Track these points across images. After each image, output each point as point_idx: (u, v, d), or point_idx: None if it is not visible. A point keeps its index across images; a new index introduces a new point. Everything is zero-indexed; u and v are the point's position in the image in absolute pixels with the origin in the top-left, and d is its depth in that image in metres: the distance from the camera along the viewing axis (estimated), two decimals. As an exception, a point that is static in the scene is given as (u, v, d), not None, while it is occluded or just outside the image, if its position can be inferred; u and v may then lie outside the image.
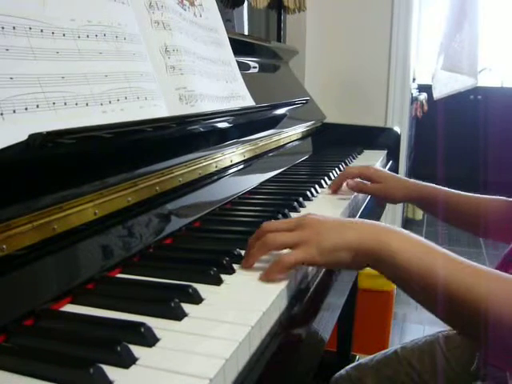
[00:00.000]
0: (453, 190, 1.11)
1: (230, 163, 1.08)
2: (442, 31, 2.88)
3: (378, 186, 1.13)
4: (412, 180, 1.15)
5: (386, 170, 1.18)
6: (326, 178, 1.25)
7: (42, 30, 0.64)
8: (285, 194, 1.09)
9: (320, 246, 0.65)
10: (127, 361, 0.45)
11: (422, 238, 0.66)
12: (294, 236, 0.67)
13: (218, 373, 0.44)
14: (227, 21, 1.84)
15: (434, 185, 1.13)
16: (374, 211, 1.25)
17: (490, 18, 4.21)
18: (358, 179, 1.14)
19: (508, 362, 0.68)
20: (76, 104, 0.66)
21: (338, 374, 1.21)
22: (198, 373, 0.44)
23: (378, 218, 1.68)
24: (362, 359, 1.21)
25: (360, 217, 1.10)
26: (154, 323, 0.52)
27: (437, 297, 0.61)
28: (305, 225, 0.68)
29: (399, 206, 3.12)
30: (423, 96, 3.98)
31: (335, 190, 1.14)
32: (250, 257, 0.68)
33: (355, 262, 0.66)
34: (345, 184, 1.14)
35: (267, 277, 0.64)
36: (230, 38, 1.20)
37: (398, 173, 1.84)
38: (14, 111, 0.57)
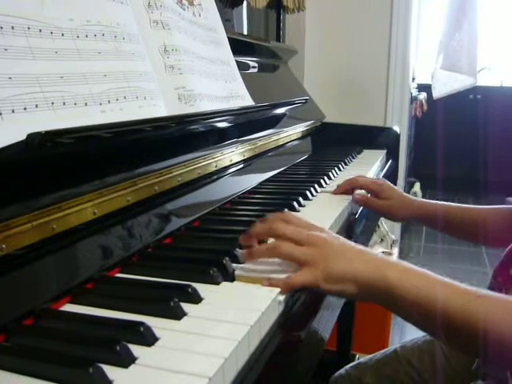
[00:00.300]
0: (452, 204, 1.12)
1: (230, 163, 1.08)
2: (442, 30, 2.88)
3: (382, 204, 1.12)
4: (416, 199, 1.15)
5: (396, 188, 1.16)
6: (325, 178, 1.25)
7: (40, 30, 0.64)
8: (284, 194, 1.09)
9: (327, 271, 0.65)
10: (126, 360, 0.45)
11: (419, 268, 0.67)
12: (304, 252, 0.66)
13: (217, 372, 0.44)
14: (226, 21, 1.84)
15: (433, 201, 1.14)
16: (370, 216, 1.25)
17: (490, 17, 4.22)
18: (363, 191, 1.14)
19: (509, 366, 0.70)
20: (75, 104, 0.66)
21: (338, 373, 1.21)
22: (197, 372, 0.44)
23: (377, 219, 1.68)
24: (361, 358, 1.21)
25: (359, 218, 1.10)
26: (154, 323, 0.52)
27: (436, 322, 0.62)
28: (315, 244, 0.67)
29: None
30: (423, 95, 3.98)
31: (339, 193, 1.14)
32: (255, 254, 0.69)
33: (360, 295, 0.66)
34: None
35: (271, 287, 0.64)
36: (229, 38, 1.20)
37: (397, 172, 1.86)
38: (13, 111, 0.57)
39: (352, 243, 0.71)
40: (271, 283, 0.64)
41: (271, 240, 0.72)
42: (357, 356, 1.95)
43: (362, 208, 1.15)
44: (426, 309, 0.62)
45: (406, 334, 2.41)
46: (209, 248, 0.76)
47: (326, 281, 0.65)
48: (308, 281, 0.64)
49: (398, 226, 3.14)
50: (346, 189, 1.14)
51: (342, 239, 0.72)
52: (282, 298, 0.62)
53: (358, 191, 1.14)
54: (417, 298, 0.63)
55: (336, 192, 1.14)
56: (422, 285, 0.64)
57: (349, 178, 1.16)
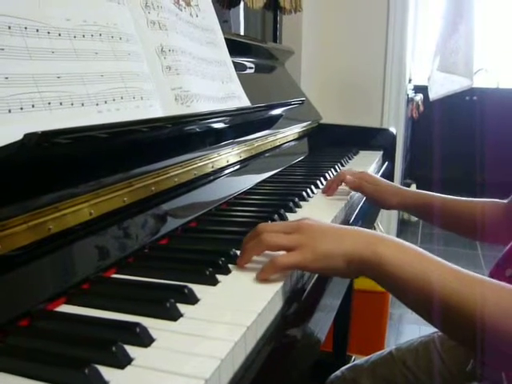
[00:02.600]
0: (448, 196, 1.11)
1: (226, 163, 1.08)
2: (438, 32, 2.89)
3: (375, 187, 1.13)
4: (408, 189, 1.16)
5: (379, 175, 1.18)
6: (321, 179, 1.25)
7: (37, 30, 0.64)
8: (281, 195, 1.09)
9: (315, 251, 0.65)
10: (123, 361, 0.45)
11: (415, 247, 0.66)
12: (289, 239, 0.67)
13: (214, 373, 0.44)
14: (224, 22, 1.85)
15: (428, 192, 1.13)
16: (369, 213, 1.25)
17: (486, 18, 4.23)
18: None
19: (505, 365, 0.69)
20: (72, 104, 0.65)
21: (334, 375, 1.21)
22: (193, 373, 0.44)
23: (373, 220, 1.68)
24: (357, 360, 1.21)
25: (355, 218, 1.10)
26: (150, 323, 0.51)
27: (431, 305, 0.61)
28: (301, 229, 0.68)
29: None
30: (419, 97, 3.98)
31: (330, 194, 1.14)
32: (244, 255, 0.68)
33: (349, 270, 0.66)
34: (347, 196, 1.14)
35: (261, 276, 0.64)
36: (226, 39, 1.20)
37: (393, 173, 1.86)
38: (10, 111, 0.57)
39: (338, 225, 0.71)
40: (260, 272, 0.64)
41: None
42: (353, 357, 1.95)
43: (358, 209, 1.16)
44: (420, 288, 0.61)
45: (402, 336, 2.41)
46: (205, 249, 0.76)
47: (315, 260, 0.65)
48: (296, 261, 0.65)
49: (394, 228, 3.15)
50: (335, 187, 1.14)
51: (329, 223, 0.72)
52: (278, 298, 0.62)
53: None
54: (410, 276, 0.62)
55: (327, 193, 1.14)
56: (415, 263, 0.63)
57: (334, 177, 1.17)
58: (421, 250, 0.65)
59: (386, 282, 0.65)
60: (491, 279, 0.63)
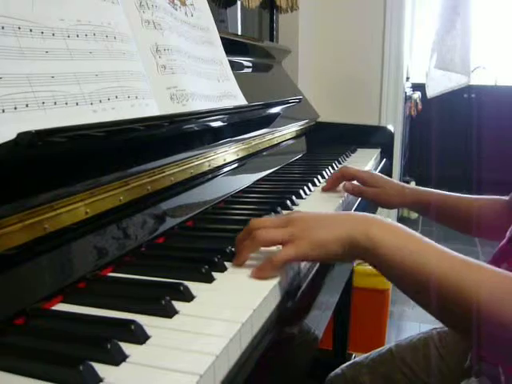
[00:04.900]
0: (446, 192, 1.11)
1: (223, 162, 1.08)
2: (435, 29, 2.89)
3: (375, 191, 1.12)
4: (408, 186, 1.15)
5: (381, 174, 1.17)
6: (319, 177, 1.25)
7: (31, 30, 0.64)
8: (278, 193, 1.09)
9: (310, 240, 0.65)
10: (117, 358, 0.45)
11: (412, 231, 0.66)
12: (283, 232, 0.67)
13: (208, 369, 0.44)
14: (221, 21, 1.84)
15: (428, 189, 1.13)
16: (366, 210, 1.25)
17: (484, 16, 4.23)
18: (355, 182, 1.14)
19: (502, 357, 0.69)
20: (66, 103, 0.66)
21: (334, 373, 1.21)
22: (188, 369, 0.44)
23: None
24: (357, 358, 1.22)
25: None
26: (145, 321, 0.52)
27: (428, 291, 0.60)
28: (293, 221, 0.68)
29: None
30: (417, 95, 3.99)
31: (328, 189, 1.14)
32: (239, 254, 0.68)
33: (346, 255, 0.66)
34: (341, 186, 1.14)
35: (259, 274, 0.64)
36: (222, 38, 1.20)
37: (392, 171, 1.86)
38: (3, 111, 0.57)
39: (331, 212, 0.71)
40: (258, 270, 0.64)
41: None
42: (353, 355, 1.95)
43: (355, 207, 1.16)
44: (416, 273, 0.61)
45: (402, 333, 2.41)
46: (201, 247, 0.76)
47: (312, 249, 0.65)
48: (292, 255, 0.65)
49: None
50: (335, 184, 1.14)
51: (321, 212, 0.72)
52: (274, 295, 0.62)
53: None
54: (406, 259, 0.62)
55: (325, 188, 1.14)
56: (410, 246, 0.62)
57: (336, 172, 1.17)
58: (414, 232, 0.65)
59: (381, 266, 0.65)
60: (489, 265, 0.62)
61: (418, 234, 0.65)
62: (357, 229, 0.65)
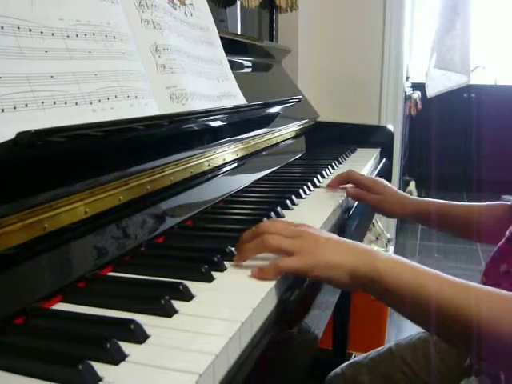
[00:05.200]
0: (445, 201, 1.13)
1: (223, 162, 1.08)
2: (435, 29, 2.89)
3: (377, 198, 1.12)
4: (408, 196, 1.15)
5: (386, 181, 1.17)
6: (319, 177, 1.25)
7: (30, 30, 0.64)
8: (277, 192, 1.09)
9: (317, 259, 0.66)
10: (117, 357, 0.45)
11: (409, 261, 0.68)
12: (292, 243, 0.67)
13: (208, 368, 0.44)
14: (221, 21, 1.84)
15: (426, 199, 1.15)
16: (365, 211, 1.25)
17: (484, 15, 4.23)
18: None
19: (501, 365, 0.71)
20: (65, 103, 0.66)
21: (333, 372, 1.21)
22: (187, 368, 0.44)
23: (370, 218, 1.68)
24: (356, 357, 1.22)
25: (352, 216, 1.10)
26: (145, 320, 0.52)
27: (428, 314, 0.63)
28: (303, 236, 0.69)
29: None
30: (417, 94, 3.99)
31: (333, 187, 1.15)
32: (245, 252, 0.69)
33: (351, 284, 0.67)
34: (342, 186, 1.15)
35: (261, 275, 0.64)
36: (222, 38, 1.20)
37: (391, 171, 1.86)
38: (3, 110, 0.57)
39: (338, 237, 0.72)
40: (260, 272, 0.64)
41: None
42: (353, 355, 1.95)
43: (355, 206, 1.16)
44: (419, 299, 0.63)
45: (402, 333, 2.40)
46: (201, 246, 0.76)
47: (316, 268, 0.66)
48: (296, 266, 0.66)
49: (393, 225, 3.15)
50: (339, 184, 1.15)
51: (329, 233, 0.74)
52: (273, 295, 0.62)
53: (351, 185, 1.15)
54: (408, 287, 0.64)
55: (330, 186, 1.15)
56: (413, 276, 0.65)
57: (341, 173, 1.17)
58: (417, 264, 0.68)
59: (384, 295, 0.67)
60: (484, 286, 0.66)
61: (415, 263, 0.68)
62: (365, 262, 0.67)
